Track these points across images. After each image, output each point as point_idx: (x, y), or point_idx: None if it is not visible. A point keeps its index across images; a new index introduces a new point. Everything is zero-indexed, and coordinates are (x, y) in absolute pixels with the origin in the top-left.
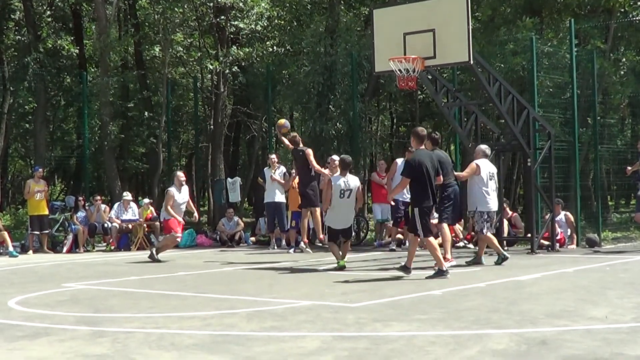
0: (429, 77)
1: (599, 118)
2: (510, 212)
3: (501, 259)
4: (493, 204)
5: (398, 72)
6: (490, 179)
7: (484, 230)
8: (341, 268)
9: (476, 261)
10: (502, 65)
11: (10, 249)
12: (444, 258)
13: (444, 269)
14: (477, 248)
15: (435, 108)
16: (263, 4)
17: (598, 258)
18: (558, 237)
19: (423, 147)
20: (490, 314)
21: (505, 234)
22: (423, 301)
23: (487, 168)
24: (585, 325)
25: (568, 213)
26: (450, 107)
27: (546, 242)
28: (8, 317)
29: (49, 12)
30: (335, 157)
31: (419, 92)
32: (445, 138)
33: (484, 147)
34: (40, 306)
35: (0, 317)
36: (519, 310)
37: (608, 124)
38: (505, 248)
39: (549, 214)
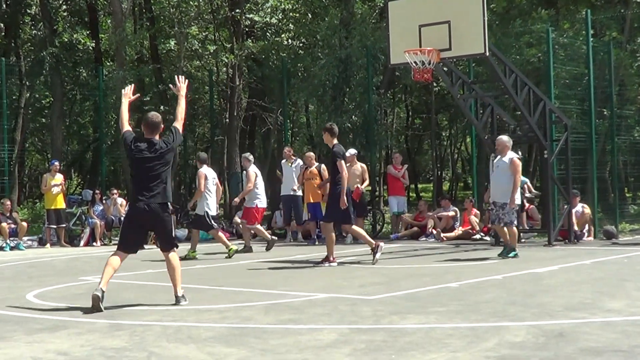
0: (445, 69)
1: (615, 109)
2: (527, 204)
3: (514, 254)
4: (520, 198)
5: (413, 64)
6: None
7: (515, 222)
8: (233, 254)
9: (511, 250)
10: (517, 57)
11: (3, 243)
12: (327, 258)
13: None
14: (509, 240)
15: (451, 100)
16: None
17: (615, 250)
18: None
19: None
20: (508, 306)
21: (523, 226)
22: (440, 294)
23: None
24: (603, 317)
25: (585, 205)
26: (466, 99)
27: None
28: (26, 310)
29: (64, 7)
30: (352, 151)
31: (435, 84)
32: (460, 130)
33: (506, 138)
34: (58, 299)
35: (18, 310)
36: (537, 303)
37: (625, 116)
38: (522, 240)
39: (566, 206)
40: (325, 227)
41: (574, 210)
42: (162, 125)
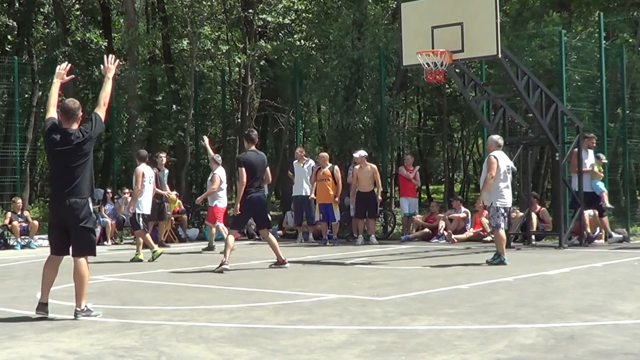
0: (457, 70)
1: (627, 112)
2: (538, 207)
3: (498, 261)
4: (509, 200)
5: (426, 65)
6: (508, 172)
7: (502, 226)
8: (156, 257)
9: (499, 261)
10: (530, 59)
11: (14, 242)
12: (223, 262)
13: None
14: (496, 247)
15: (463, 102)
16: None
17: (626, 253)
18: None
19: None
20: (518, 308)
21: (534, 228)
22: (450, 295)
23: (504, 161)
24: (613, 320)
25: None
26: (478, 100)
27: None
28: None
29: (77, 6)
30: (361, 153)
31: (447, 86)
32: (472, 132)
33: (496, 137)
34: (69, 298)
35: (29, 310)
36: (547, 305)
37: (637, 118)
38: (534, 242)
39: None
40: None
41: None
42: (81, 113)
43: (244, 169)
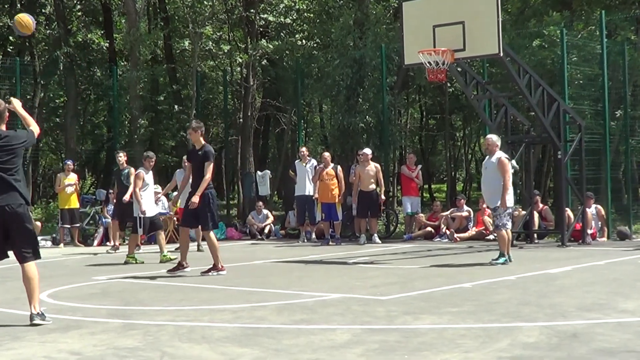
0: (459, 69)
1: (629, 110)
2: (541, 205)
3: (503, 260)
4: (512, 199)
5: (427, 64)
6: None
7: (508, 225)
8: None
9: (504, 260)
10: (532, 57)
11: None
12: (214, 266)
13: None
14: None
15: (465, 101)
16: None
17: (629, 251)
18: (591, 232)
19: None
20: (521, 307)
21: (536, 227)
22: (453, 294)
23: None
24: (616, 318)
25: (599, 206)
26: (480, 99)
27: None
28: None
29: (79, 6)
30: (367, 151)
31: (449, 85)
32: (474, 131)
33: (495, 137)
34: (72, 299)
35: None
36: (550, 303)
37: (639, 117)
38: (537, 241)
39: (580, 207)
40: (205, 236)
41: (588, 211)
42: (7, 114)
43: (212, 164)
